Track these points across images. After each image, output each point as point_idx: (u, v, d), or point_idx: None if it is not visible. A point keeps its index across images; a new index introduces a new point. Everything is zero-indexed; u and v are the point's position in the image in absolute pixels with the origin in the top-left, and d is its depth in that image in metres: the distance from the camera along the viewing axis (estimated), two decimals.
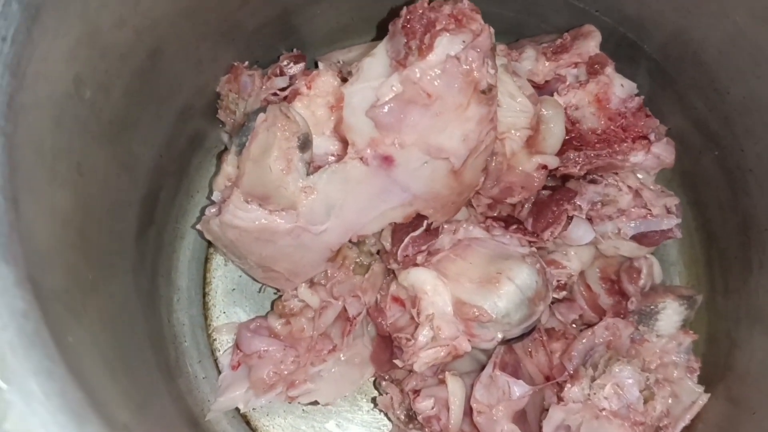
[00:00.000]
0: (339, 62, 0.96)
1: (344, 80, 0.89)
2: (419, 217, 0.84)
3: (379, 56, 0.77)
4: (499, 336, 0.81)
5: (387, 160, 0.77)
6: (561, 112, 0.87)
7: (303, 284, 0.90)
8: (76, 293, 0.63)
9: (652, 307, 0.92)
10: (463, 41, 0.71)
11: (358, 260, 0.89)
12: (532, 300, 0.81)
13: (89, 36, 0.66)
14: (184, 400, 0.93)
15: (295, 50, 0.98)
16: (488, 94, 0.75)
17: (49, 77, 0.60)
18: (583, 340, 0.89)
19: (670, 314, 0.92)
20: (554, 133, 0.86)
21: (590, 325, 0.92)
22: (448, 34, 0.71)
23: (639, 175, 0.89)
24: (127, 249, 0.83)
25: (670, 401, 0.88)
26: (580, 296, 0.95)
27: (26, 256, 0.53)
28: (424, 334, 0.81)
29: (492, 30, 0.74)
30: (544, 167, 0.86)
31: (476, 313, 0.79)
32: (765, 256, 0.85)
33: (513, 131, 0.84)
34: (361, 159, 0.77)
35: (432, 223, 0.85)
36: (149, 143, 0.84)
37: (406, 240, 0.84)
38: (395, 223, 0.84)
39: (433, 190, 0.80)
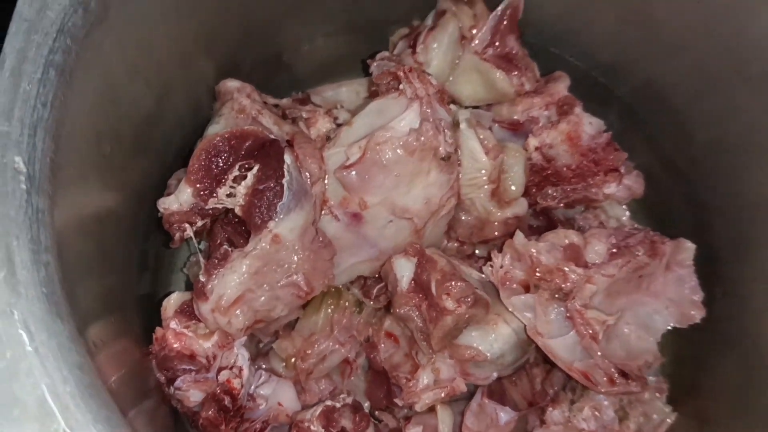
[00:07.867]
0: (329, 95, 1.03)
1: (335, 119, 0.95)
2: None
3: (356, 126, 0.83)
4: (495, 375, 0.86)
5: (356, 218, 0.84)
6: (521, 159, 0.92)
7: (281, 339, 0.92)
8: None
9: None
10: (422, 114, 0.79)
11: (355, 300, 0.93)
12: (526, 341, 0.86)
13: (107, 89, 0.70)
14: None
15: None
16: (448, 161, 0.82)
17: (76, 136, 0.63)
18: None
19: None
20: (515, 179, 0.91)
21: None
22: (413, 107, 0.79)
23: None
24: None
25: (641, 419, 0.94)
26: None
27: (72, 311, 0.56)
28: (425, 377, 0.85)
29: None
30: (516, 216, 0.92)
31: (472, 354, 0.84)
32: (728, 287, 0.91)
33: (477, 189, 0.88)
34: (332, 215, 0.84)
35: None
36: (152, 184, 0.87)
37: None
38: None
39: (398, 247, 0.86)
